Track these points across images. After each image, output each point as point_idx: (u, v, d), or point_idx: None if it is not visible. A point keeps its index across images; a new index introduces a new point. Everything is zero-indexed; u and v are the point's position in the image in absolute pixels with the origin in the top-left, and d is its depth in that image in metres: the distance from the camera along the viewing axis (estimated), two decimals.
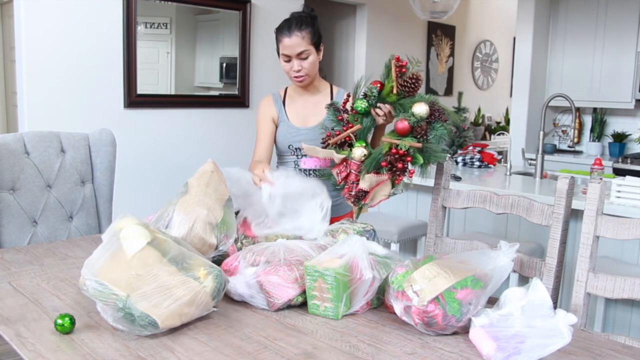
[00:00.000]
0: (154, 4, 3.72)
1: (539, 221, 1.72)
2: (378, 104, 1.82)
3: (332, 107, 1.90)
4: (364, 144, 1.80)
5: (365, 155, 1.76)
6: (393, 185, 1.77)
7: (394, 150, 1.71)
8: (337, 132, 1.85)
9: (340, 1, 5.26)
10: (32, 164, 2.26)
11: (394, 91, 1.78)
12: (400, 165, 1.72)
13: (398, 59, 1.78)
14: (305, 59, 2.06)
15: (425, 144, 1.71)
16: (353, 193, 1.79)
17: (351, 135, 1.83)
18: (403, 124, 1.71)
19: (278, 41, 2.08)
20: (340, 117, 1.87)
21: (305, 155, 2.14)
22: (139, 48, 3.61)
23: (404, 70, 1.77)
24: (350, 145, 1.83)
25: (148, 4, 3.67)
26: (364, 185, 1.75)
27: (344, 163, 1.81)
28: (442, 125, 1.72)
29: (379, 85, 1.82)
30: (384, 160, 1.73)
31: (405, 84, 1.77)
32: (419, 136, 1.71)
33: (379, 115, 1.82)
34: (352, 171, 1.79)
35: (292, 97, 2.22)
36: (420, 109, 1.70)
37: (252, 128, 4.27)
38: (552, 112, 5.36)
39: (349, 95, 1.92)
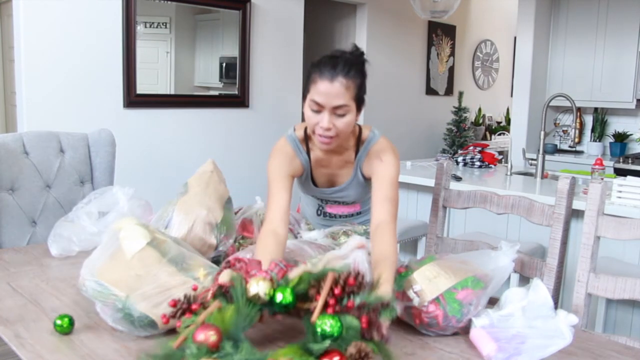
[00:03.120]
0: (153, 4, 3.72)
1: (540, 221, 1.71)
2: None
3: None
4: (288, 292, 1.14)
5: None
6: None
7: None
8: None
9: (341, 1, 5.26)
10: (31, 164, 2.25)
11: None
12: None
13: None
14: (342, 116, 1.56)
15: None
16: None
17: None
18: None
19: (312, 81, 1.57)
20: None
21: (331, 203, 1.92)
22: (139, 48, 3.61)
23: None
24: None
25: (147, 3, 3.66)
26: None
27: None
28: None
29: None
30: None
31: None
32: None
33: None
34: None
35: (316, 150, 1.76)
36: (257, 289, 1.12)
37: (252, 128, 4.29)
38: (552, 112, 5.36)
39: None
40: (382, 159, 1.70)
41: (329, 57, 1.58)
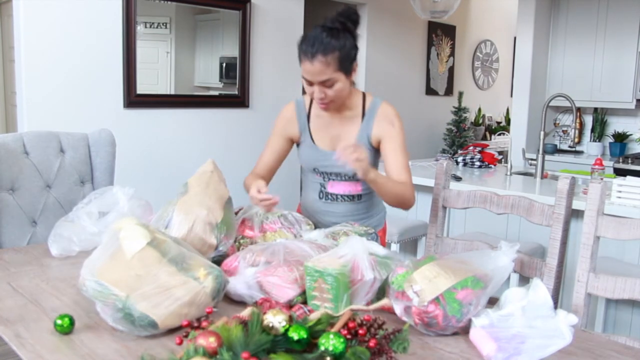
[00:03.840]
0: (153, 4, 3.72)
1: (540, 221, 1.71)
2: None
3: None
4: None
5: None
6: None
7: None
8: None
9: (341, 1, 5.26)
10: (31, 164, 2.26)
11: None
12: None
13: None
14: (331, 86, 1.71)
15: None
16: None
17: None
18: None
19: (300, 59, 1.73)
20: None
21: (332, 179, 1.93)
22: (139, 48, 3.61)
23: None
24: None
25: (148, 3, 3.66)
26: None
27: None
28: None
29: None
30: None
31: None
32: None
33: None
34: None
35: (320, 110, 1.89)
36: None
37: (252, 128, 4.29)
38: (552, 112, 5.36)
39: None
40: (393, 123, 1.85)
41: (311, 33, 1.71)
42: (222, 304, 1.44)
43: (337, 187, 1.94)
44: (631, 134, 4.92)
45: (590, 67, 4.86)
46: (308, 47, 1.67)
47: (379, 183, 1.73)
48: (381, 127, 1.84)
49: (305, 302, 1.43)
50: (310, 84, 1.72)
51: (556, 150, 5.12)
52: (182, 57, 4.00)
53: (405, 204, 1.84)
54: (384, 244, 2.06)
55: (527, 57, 4.95)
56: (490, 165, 3.78)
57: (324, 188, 1.95)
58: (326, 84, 1.70)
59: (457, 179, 3.21)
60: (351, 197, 1.94)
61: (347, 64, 1.71)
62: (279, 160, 1.99)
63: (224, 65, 4.20)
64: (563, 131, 5.29)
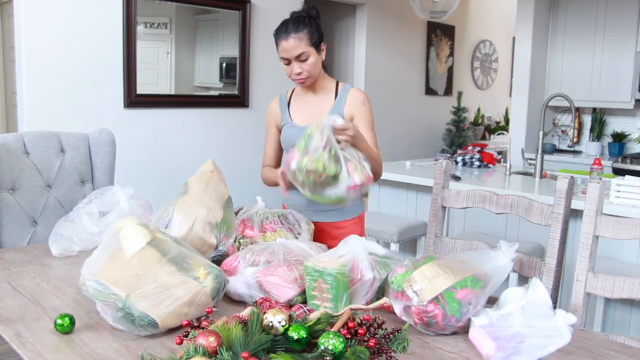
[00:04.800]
0: (154, 4, 3.72)
1: (539, 221, 1.72)
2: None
3: None
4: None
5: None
6: None
7: None
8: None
9: (340, 1, 5.26)
10: (32, 164, 2.26)
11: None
12: None
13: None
14: (305, 60, 2.00)
15: None
16: None
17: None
18: None
19: (277, 44, 2.04)
20: None
21: None
22: (139, 48, 3.62)
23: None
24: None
25: (148, 4, 3.67)
26: None
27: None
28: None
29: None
30: None
31: None
32: None
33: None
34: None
35: (298, 97, 2.18)
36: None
37: (252, 128, 4.30)
38: (552, 112, 5.36)
39: None
40: (364, 103, 2.09)
41: (282, 22, 2.03)
42: (222, 304, 1.44)
43: None
44: (630, 134, 4.92)
45: (589, 68, 4.87)
46: (282, 32, 2.00)
47: (365, 147, 1.88)
48: (354, 107, 2.08)
49: (305, 302, 1.43)
50: (289, 62, 2.01)
51: (555, 150, 5.13)
52: (182, 57, 4.00)
53: (377, 174, 2.01)
54: (362, 232, 2.13)
55: (526, 58, 4.96)
56: (489, 165, 3.79)
57: None
58: (301, 58, 1.98)
59: (457, 179, 3.21)
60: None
61: (316, 41, 2.01)
62: (280, 149, 2.24)
63: (224, 65, 4.21)
64: (562, 131, 5.30)
